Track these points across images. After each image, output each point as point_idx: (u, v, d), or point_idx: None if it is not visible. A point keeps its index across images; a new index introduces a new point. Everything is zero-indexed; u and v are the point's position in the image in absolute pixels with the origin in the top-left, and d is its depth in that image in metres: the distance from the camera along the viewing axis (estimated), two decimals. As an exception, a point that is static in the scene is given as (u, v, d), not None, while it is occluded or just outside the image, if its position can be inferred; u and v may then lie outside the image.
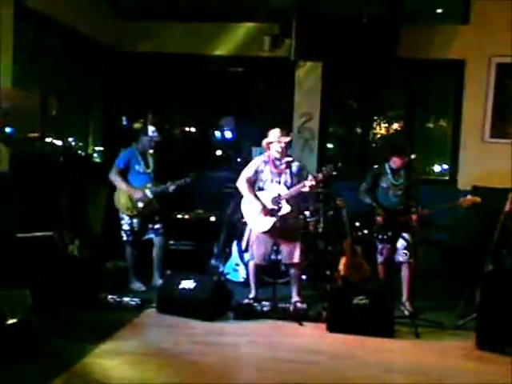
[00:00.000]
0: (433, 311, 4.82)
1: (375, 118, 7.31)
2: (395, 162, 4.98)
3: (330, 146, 7.39)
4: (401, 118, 7.28)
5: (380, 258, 5.06)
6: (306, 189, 4.66)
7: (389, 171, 5.03)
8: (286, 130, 5.15)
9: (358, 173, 6.82)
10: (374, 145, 7.33)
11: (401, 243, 4.87)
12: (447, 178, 6.92)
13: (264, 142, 4.85)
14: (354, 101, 7.36)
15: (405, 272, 4.88)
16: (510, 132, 6.44)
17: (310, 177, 4.65)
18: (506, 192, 5.25)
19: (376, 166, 5.22)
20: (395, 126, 7.30)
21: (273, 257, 5.05)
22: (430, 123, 7.32)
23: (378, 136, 7.32)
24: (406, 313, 4.71)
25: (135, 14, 7.03)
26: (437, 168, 7.20)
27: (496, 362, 3.88)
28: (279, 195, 4.67)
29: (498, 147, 6.42)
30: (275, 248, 4.96)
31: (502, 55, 6.42)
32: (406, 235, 4.82)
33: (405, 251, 4.83)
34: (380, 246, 5.03)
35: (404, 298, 4.89)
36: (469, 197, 4.82)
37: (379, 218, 4.94)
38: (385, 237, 4.94)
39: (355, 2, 6.30)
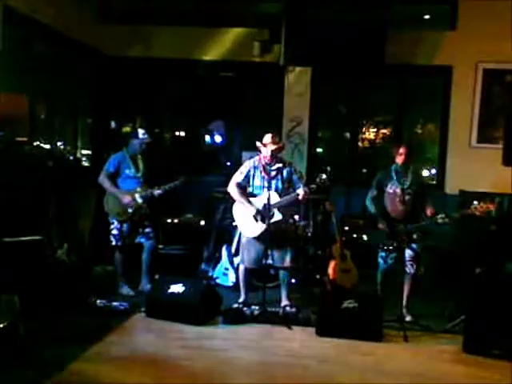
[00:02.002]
0: (422, 315, 4.84)
1: (364, 122, 7.36)
2: (400, 156, 4.78)
3: (319, 150, 7.43)
4: (389, 123, 7.34)
5: (383, 266, 4.91)
6: (300, 197, 4.68)
7: (394, 175, 4.84)
8: (279, 136, 5.13)
9: (347, 177, 6.93)
10: (362, 149, 7.38)
11: (408, 253, 4.73)
12: (435, 182, 6.98)
13: (257, 145, 4.87)
14: (342, 106, 7.41)
15: (408, 282, 4.77)
16: (497, 137, 6.51)
17: (304, 188, 4.65)
18: (492, 197, 5.32)
19: (381, 170, 5.03)
20: (383, 130, 7.36)
21: (263, 261, 5.04)
22: (418, 128, 7.39)
23: (367, 141, 7.37)
24: (408, 319, 4.67)
25: (125, 18, 7.03)
26: (425, 173, 7.26)
27: (483, 365, 3.91)
28: (269, 201, 4.67)
29: (485, 152, 6.49)
30: (266, 252, 4.94)
31: (489, 61, 6.50)
32: (414, 245, 4.70)
33: (411, 262, 4.71)
34: (384, 254, 4.87)
35: (404, 305, 4.75)
36: (482, 204, 4.58)
37: (382, 228, 4.80)
38: (390, 247, 4.80)
39: (343, 8, 6.35)
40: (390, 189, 4.86)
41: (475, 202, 4.60)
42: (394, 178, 4.84)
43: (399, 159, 4.83)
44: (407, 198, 4.76)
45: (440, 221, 4.57)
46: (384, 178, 4.92)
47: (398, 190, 4.79)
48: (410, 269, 4.74)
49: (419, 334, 4.46)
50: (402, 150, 4.82)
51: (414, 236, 4.71)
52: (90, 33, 6.56)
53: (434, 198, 5.01)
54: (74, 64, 6.56)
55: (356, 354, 4.05)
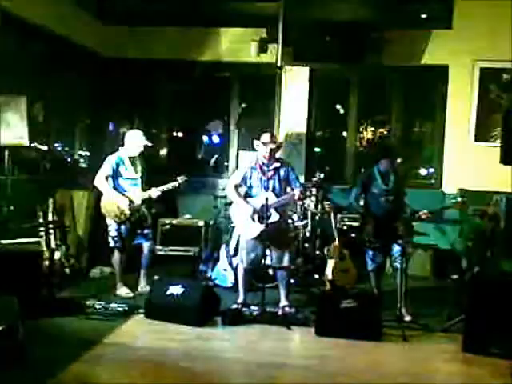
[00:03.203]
0: (420, 314, 4.83)
1: (362, 122, 7.36)
2: (383, 164, 4.95)
3: (317, 150, 7.44)
4: (387, 123, 7.35)
5: (372, 265, 4.97)
6: (296, 197, 4.70)
7: (378, 176, 4.96)
8: (276, 135, 5.13)
9: (345, 176, 6.94)
10: (360, 149, 7.39)
11: (396, 250, 4.78)
12: (433, 181, 6.99)
13: (255, 144, 4.87)
14: (340, 105, 7.41)
15: (400, 278, 4.73)
16: (495, 135, 6.53)
17: (300, 188, 4.67)
18: (490, 195, 5.33)
19: (364, 171, 5.16)
20: (381, 130, 7.37)
21: (262, 261, 5.03)
22: (416, 127, 7.40)
23: (365, 140, 7.38)
24: (407, 319, 4.67)
25: (122, 20, 7.03)
26: (423, 171, 7.27)
27: (482, 364, 3.90)
28: (267, 202, 4.67)
29: (483, 150, 6.51)
30: (265, 252, 4.90)
31: (486, 60, 6.52)
32: (400, 241, 4.70)
33: (399, 258, 4.70)
34: (371, 253, 4.95)
35: (402, 304, 4.72)
36: (459, 199, 4.72)
37: (368, 227, 4.89)
38: (377, 244, 4.88)
39: (341, 8, 6.35)
40: (374, 189, 4.96)
41: (452, 200, 4.76)
42: (379, 179, 4.96)
43: (381, 167, 4.95)
44: (391, 197, 4.90)
45: (424, 216, 4.68)
46: (368, 179, 5.02)
47: (383, 191, 4.92)
48: (398, 264, 4.73)
49: (418, 334, 4.45)
50: (386, 165, 4.93)
51: (400, 232, 4.73)
52: (88, 34, 6.57)
53: (432, 196, 5.04)
54: (72, 65, 6.56)
55: (355, 353, 4.05)
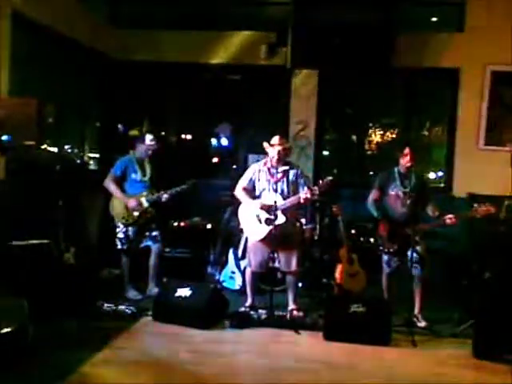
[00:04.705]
0: (430, 319, 4.80)
1: (371, 125, 7.34)
2: (405, 156, 4.78)
3: (325, 153, 7.42)
4: (396, 126, 7.32)
5: (387, 270, 4.89)
6: (301, 200, 4.67)
7: (397, 176, 4.84)
8: (286, 138, 5.10)
9: (354, 180, 6.91)
10: (369, 152, 7.37)
11: (411, 255, 4.67)
12: (442, 185, 6.95)
13: (264, 146, 4.86)
14: (349, 108, 7.39)
15: (418, 285, 4.73)
16: (505, 139, 6.47)
17: (306, 189, 4.64)
18: (501, 199, 5.28)
19: (383, 172, 5.01)
20: (390, 133, 7.34)
21: (269, 264, 5.02)
22: (425, 131, 7.37)
23: (374, 143, 7.35)
24: (420, 325, 4.65)
25: (132, 23, 7.06)
26: (432, 175, 7.23)
27: (493, 370, 3.86)
28: (275, 204, 4.66)
29: (493, 154, 6.45)
30: (272, 255, 4.88)
31: (497, 63, 6.47)
32: (417, 247, 4.62)
33: (416, 264, 4.64)
34: (387, 258, 4.87)
35: (416, 310, 4.76)
36: (483, 207, 4.53)
37: (383, 231, 4.81)
38: (391, 250, 4.79)
39: (351, 11, 6.33)
40: (392, 191, 4.86)
41: (475, 205, 4.59)
42: (397, 180, 4.85)
43: (404, 161, 4.83)
44: (409, 200, 4.78)
45: (448, 221, 4.57)
46: (386, 180, 4.91)
47: (401, 193, 4.81)
48: (415, 271, 4.69)
49: (427, 339, 4.42)
50: (406, 151, 4.81)
51: (416, 238, 4.64)
52: (99, 37, 6.58)
53: (441, 200, 4.98)
54: (82, 68, 6.59)
55: (364, 358, 4.03)
